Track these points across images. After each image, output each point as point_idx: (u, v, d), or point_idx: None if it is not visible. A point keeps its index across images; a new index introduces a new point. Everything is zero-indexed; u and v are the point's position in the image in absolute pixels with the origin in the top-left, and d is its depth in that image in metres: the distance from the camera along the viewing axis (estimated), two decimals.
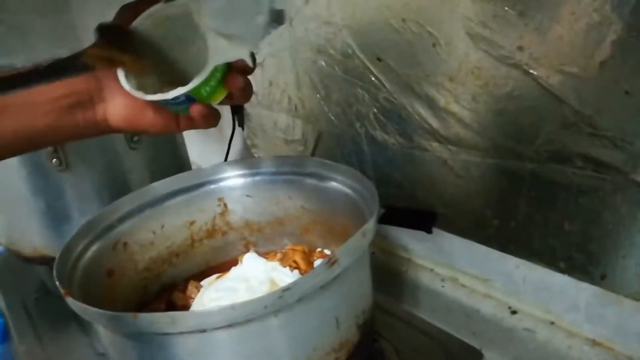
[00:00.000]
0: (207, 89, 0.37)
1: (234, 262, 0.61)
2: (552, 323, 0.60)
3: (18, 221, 0.72)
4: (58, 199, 0.70)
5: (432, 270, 0.74)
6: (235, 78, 0.39)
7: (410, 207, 0.74)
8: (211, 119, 0.41)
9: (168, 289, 0.58)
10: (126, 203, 0.56)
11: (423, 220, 0.73)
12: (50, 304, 0.74)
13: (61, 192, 0.69)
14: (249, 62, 0.38)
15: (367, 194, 0.50)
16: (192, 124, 0.41)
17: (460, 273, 0.72)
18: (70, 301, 0.39)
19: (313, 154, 0.90)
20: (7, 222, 0.74)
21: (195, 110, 0.39)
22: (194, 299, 0.56)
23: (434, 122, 0.66)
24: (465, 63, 0.59)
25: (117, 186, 0.71)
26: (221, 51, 0.36)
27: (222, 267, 0.62)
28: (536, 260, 0.59)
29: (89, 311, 0.37)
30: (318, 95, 0.86)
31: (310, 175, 0.58)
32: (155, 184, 0.58)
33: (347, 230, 0.55)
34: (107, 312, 0.36)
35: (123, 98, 0.39)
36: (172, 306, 0.56)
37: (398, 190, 0.75)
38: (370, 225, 0.41)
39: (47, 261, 0.73)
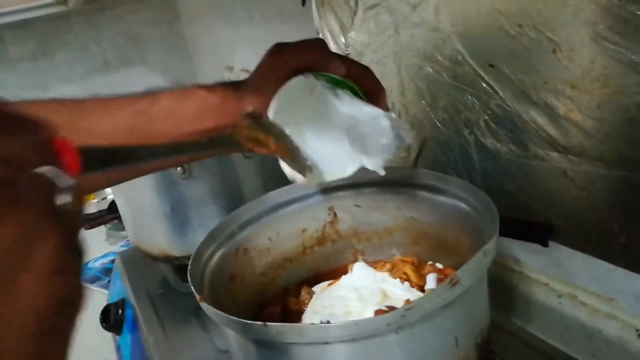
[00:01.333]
0: None
1: (343, 270, 0.63)
2: None
3: (146, 223, 0.80)
4: (181, 204, 0.76)
5: (547, 285, 0.71)
6: None
7: (523, 218, 0.71)
8: None
9: (282, 293, 0.61)
10: (246, 211, 0.59)
11: (538, 232, 0.70)
12: (173, 299, 0.80)
13: (184, 198, 0.76)
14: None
15: (483, 210, 0.49)
16: None
17: (580, 290, 0.68)
18: (205, 307, 0.42)
19: (417, 160, 0.90)
20: (137, 224, 0.82)
21: None
22: (307, 304, 0.58)
23: (553, 131, 0.62)
24: (590, 70, 0.55)
25: (232, 192, 0.76)
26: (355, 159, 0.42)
27: (332, 274, 0.64)
28: None
29: (223, 317, 0.40)
30: (423, 102, 0.85)
31: (421, 187, 0.58)
32: (271, 193, 0.61)
33: (461, 245, 0.55)
34: (240, 320, 0.39)
35: None
36: (286, 310, 0.58)
37: (510, 201, 0.72)
38: (492, 245, 0.40)
39: (170, 260, 0.80)
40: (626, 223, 0.58)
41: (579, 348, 0.62)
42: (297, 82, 0.40)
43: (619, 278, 0.62)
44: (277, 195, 0.61)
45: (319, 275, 0.65)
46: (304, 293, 0.59)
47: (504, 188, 0.73)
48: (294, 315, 0.57)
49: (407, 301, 0.53)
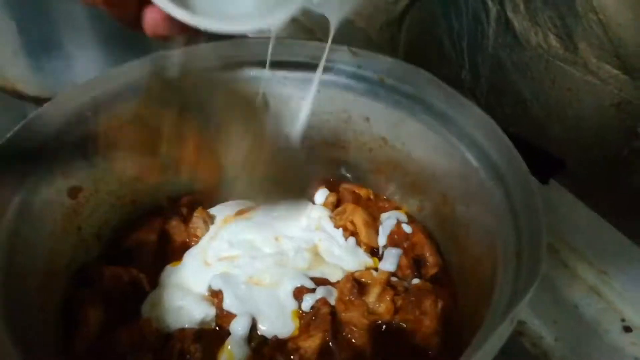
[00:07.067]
0: None
1: None
2: None
3: None
4: (43, 26, 0.51)
5: None
6: None
7: (529, 140, 0.52)
8: None
9: (166, 207, 0.41)
10: (110, 79, 0.35)
11: (543, 164, 0.53)
12: None
13: (48, 19, 0.50)
14: None
15: (510, 177, 0.29)
16: None
17: (567, 247, 0.53)
18: None
19: (403, 16, 0.63)
20: None
21: None
22: (198, 238, 0.38)
23: None
24: None
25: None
26: None
27: None
28: None
29: None
30: None
31: (414, 98, 0.35)
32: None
33: (448, 202, 0.35)
34: None
35: None
36: (165, 240, 0.39)
37: (519, 112, 0.52)
38: (522, 305, 0.20)
39: (22, 97, 0.56)
40: None
41: (540, 310, 0.49)
42: None
43: (625, 252, 0.49)
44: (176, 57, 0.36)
45: None
46: (197, 218, 0.39)
47: (518, 93, 0.51)
48: (174, 251, 0.38)
49: (348, 279, 0.34)
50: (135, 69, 0.36)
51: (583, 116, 0.46)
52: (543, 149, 0.52)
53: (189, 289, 0.35)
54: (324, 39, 0.69)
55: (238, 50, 0.38)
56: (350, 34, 0.68)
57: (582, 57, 0.44)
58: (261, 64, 0.38)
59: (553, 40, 0.46)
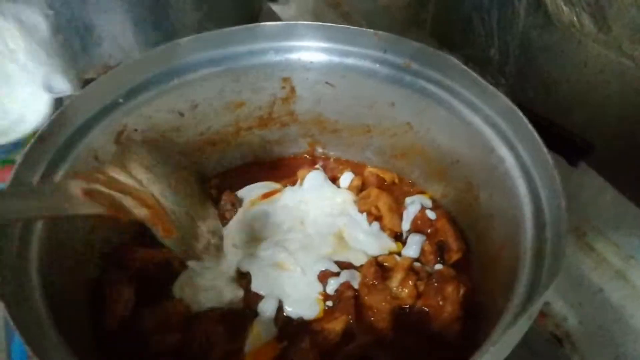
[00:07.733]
0: None
1: (291, 163, 0.45)
2: None
3: None
4: (75, 8, 0.49)
5: None
6: None
7: (557, 123, 0.51)
8: None
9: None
10: (140, 66, 0.35)
11: (572, 147, 0.52)
12: None
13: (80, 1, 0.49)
14: None
15: (532, 167, 0.28)
16: None
17: (594, 230, 0.52)
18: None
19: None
20: None
21: None
22: (227, 220, 0.39)
23: None
24: None
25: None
26: None
27: (274, 164, 0.45)
28: None
29: None
30: None
31: (441, 85, 0.35)
32: (189, 40, 0.36)
33: (472, 190, 0.35)
34: None
35: None
36: None
37: (549, 93, 0.51)
38: (541, 302, 0.21)
39: None
40: None
41: (567, 293, 0.49)
42: None
43: None
44: (199, 44, 0.37)
45: (256, 162, 0.45)
46: (225, 201, 0.40)
47: (548, 74, 0.50)
48: None
49: (371, 263, 0.35)
50: (162, 56, 0.36)
51: (615, 99, 0.45)
52: (574, 132, 0.51)
53: (218, 270, 0.36)
54: (351, 13, 0.67)
55: (257, 35, 0.39)
56: (373, 13, 0.67)
57: (616, 38, 0.43)
58: (284, 49, 0.39)
59: (586, 19, 0.45)
